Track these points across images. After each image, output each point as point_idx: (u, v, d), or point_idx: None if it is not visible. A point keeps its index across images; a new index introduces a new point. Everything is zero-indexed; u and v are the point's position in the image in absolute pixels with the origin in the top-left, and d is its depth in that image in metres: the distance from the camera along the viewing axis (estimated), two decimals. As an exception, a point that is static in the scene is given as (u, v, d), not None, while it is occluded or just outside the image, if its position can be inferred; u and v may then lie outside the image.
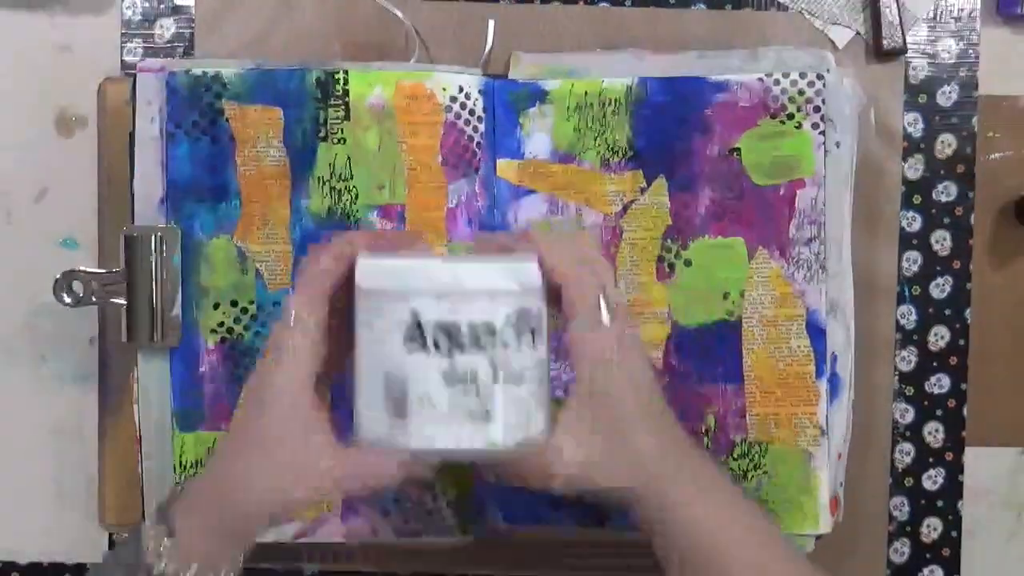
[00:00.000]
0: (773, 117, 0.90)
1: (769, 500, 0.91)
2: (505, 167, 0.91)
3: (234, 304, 0.89)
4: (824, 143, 0.90)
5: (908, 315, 0.97)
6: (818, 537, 0.92)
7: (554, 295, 0.72)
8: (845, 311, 0.91)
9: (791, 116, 0.90)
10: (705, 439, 0.91)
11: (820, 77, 0.90)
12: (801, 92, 0.90)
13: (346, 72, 0.89)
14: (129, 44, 0.95)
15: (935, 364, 0.97)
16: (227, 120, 0.89)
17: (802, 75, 0.90)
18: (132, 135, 0.89)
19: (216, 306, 0.89)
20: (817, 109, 0.90)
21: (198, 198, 0.89)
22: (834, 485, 0.91)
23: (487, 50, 0.95)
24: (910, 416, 0.97)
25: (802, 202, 0.90)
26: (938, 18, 0.96)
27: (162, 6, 0.95)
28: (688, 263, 0.91)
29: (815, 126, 0.90)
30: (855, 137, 0.91)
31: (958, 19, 0.96)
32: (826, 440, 0.90)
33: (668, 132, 0.91)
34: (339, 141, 0.89)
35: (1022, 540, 0.98)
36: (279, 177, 0.89)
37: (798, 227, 0.90)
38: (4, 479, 0.96)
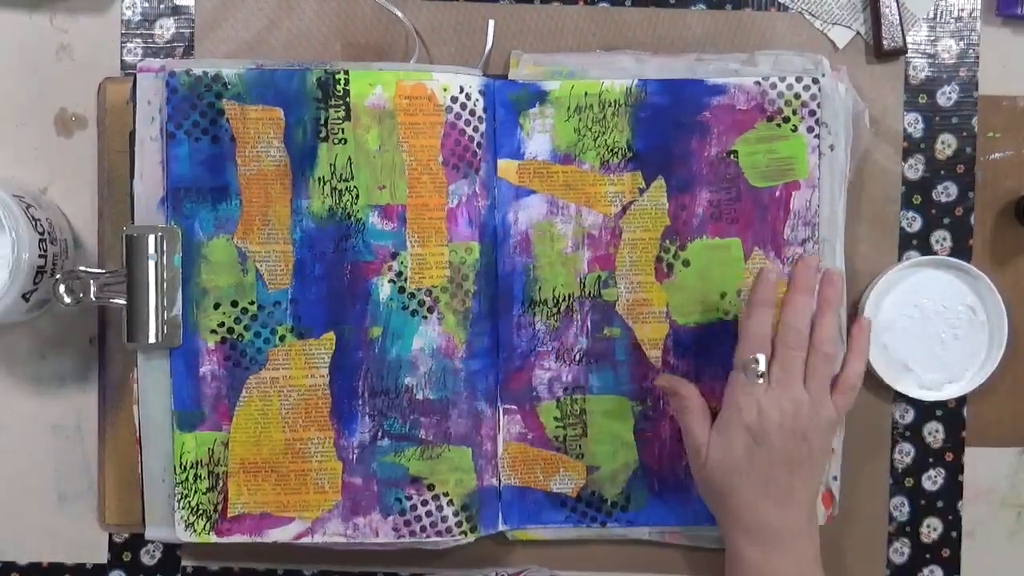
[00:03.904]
0: (769, 120, 0.90)
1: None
2: (505, 167, 0.92)
3: (234, 304, 0.90)
4: (819, 146, 0.90)
5: (908, 315, 0.97)
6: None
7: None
8: (839, 310, 0.91)
9: (787, 119, 0.90)
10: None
11: (815, 81, 0.90)
12: (797, 95, 0.90)
13: (346, 72, 0.89)
14: (129, 44, 0.95)
15: (935, 364, 0.97)
16: (227, 120, 0.89)
17: (798, 79, 0.90)
18: (132, 135, 0.89)
19: (216, 306, 0.90)
20: (812, 112, 0.90)
21: (198, 198, 0.89)
22: (827, 480, 0.91)
23: (487, 50, 0.95)
24: (910, 416, 0.97)
25: (797, 204, 0.90)
26: (938, 18, 0.96)
27: (162, 6, 0.95)
28: (686, 263, 0.91)
29: (810, 129, 0.90)
30: (849, 140, 0.91)
31: (958, 19, 0.96)
32: (822, 438, 0.91)
33: (667, 134, 0.91)
34: (340, 141, 0.89)
35: (1022, 540, 0.98)
36: (279, 177, 0.89)
37: (793, 228, 0.90)
38: (4, 479, 0.96)
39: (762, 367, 0.83)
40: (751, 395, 0.83)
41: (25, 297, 0.87)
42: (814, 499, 0.85)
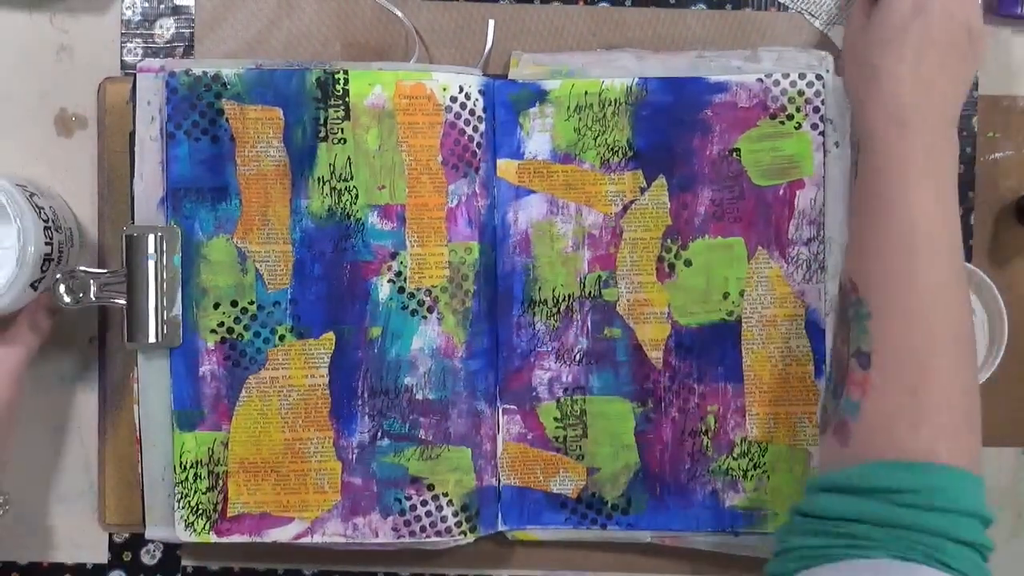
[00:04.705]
0: (773, 117, 0.90)
1: (769, 499, 0.91)
2: (505, 167, 0.91)
3: (234, 304, 0.89)
4: (823, 143, 0.90)
5: (908, 315, 0.97)
6: (818, 537, 0.92)
7: None
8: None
9: (791, 116, 0.90)
10: (705, 439, 0.91)
11: (819, 77, 0.90)
12: (800, 92, 0.90)
13: (346, 72, 0.89)
14: (129, 44, 0.95)
15: (935, 364, 0.97)
16: (227, 120, 0.89)
17: (801, 75, 0.90)
18: (132, 135, 0.89)
19: (216, 306, 0.89)
20: (816, 109, 0.90)
21: (198, 198, 0.89)
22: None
23: (487, 50, 0.95)
24: (910, 416, 0.97)
25: (801, 202, 0.90)
26: (938, 18, 0.96)
27: (162, 6, 0.95)
28: (688, 263, 0.91)
29: (814, 126, 0.90)
30: (856, 136, 0.91)
31: (958, 19, 0.96)
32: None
33: (668, 132, 0.91)
34: (339, 141, 0.89)
35: (1022, 540, 0.98)
36: (279, 177, 0.89)
37: (797, 227, 0.90)
38: (4, 479, 0.95)
39: None
40: None
41: (33, 286, 0.87)
42: (955, 106, 0.83)
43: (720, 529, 0.92)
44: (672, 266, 0.91)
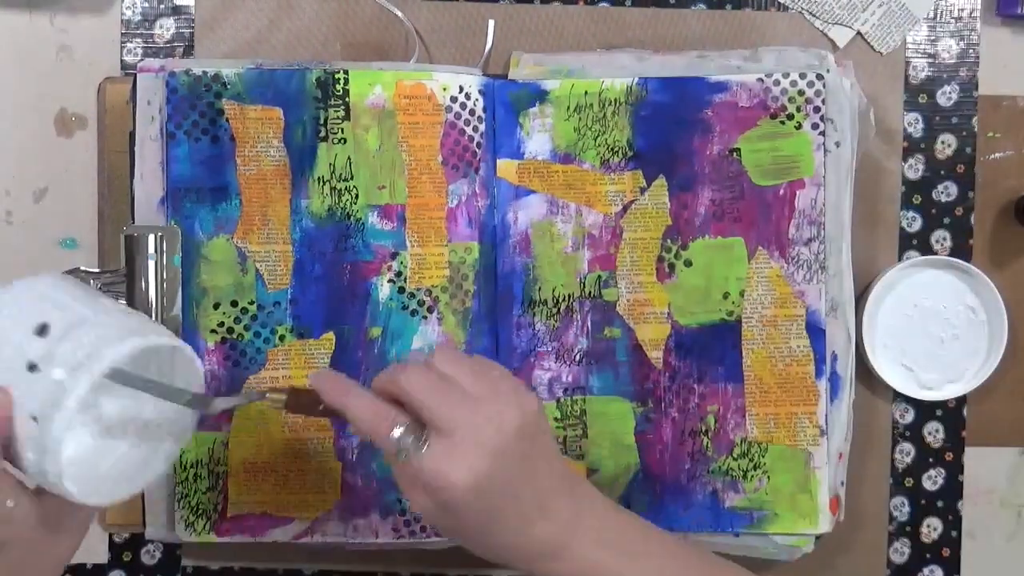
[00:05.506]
0: (773, 117, 0.90)
1: (769, 500, 0.91)
2: (505, 167, 0.91)
3: (234, 304, 0.89)
4: (824, 143, 0.90)
5: (908, 315, 0.97)
6: (818, 537, 0.92)
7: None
8: (845, 311, 0.91)
9: (791, 116, 0.90)
10: (705, 439, 0.91)
11: (820, 77, 0.90)
12: (801, 92, 0.90)
13: (346, 72, 0.89)
14: (129, 44, 0.95)
15: (935, 364, 0.97)
16: (227, 120, 0.89)
17: (802, 75, 0.90)
18: (132, 135, 0.89)
19: (216, 306, 0.89)
20: (817, 109, 0.90)
21: (198, 198, 0.89)
22: (835, 485, 0.91)
23: (487, 50, 0.95)
24: (910, 416, 0.97)
25: (802, 202, 0.90)
26: (938, 18, 0.96)
27: (162, 6, 0.95)
28: (688, 263, 0.91)
29: (815, 126, 0.90)
30: (855, 137, 0.91)
31: (958, 19, 0.96)
32: (826, 440, 0.90)
33: (668, 132, 0.91)
34: (339, 141, 0.89)
35: (1022, 540, 0.98)
36: (279, 177, 0.89)
37: (798, 227, 0.90)
38: (4, 479, 0.95)
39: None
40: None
41: None
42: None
43: (720, 529, 0.92)
44: (672, 266, 0.91)
